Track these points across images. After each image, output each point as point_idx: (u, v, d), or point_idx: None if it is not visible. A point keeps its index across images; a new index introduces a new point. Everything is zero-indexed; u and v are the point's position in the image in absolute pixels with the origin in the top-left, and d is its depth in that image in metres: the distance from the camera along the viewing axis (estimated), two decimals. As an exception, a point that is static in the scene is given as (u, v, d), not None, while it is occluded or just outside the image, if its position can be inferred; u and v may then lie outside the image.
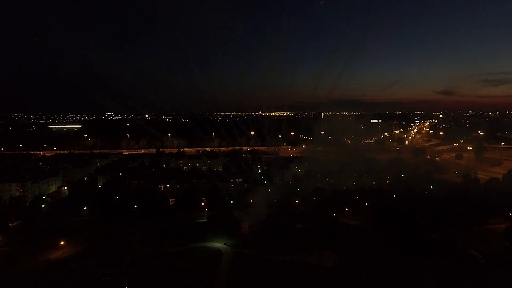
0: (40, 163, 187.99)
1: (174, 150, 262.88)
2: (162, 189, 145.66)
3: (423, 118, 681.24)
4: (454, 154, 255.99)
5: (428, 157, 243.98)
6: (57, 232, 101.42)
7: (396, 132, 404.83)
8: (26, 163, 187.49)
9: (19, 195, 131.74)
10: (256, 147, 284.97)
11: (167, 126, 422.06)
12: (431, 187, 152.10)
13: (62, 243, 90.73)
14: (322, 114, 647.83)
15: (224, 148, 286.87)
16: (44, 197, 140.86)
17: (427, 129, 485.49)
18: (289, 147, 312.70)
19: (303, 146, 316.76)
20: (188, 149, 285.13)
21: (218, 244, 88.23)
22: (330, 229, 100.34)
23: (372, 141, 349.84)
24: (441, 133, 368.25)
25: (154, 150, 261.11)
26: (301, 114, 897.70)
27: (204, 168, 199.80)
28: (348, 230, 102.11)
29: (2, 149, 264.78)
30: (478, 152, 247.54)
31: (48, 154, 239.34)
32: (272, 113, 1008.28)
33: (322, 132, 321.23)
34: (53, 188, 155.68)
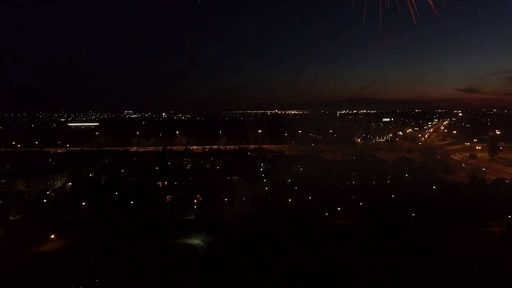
0: (50, 160, 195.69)
1: (182, 148, 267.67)
2: (160, 185, 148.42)
3: (442, 117, 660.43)
4: (467, 154, 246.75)
5: (439, 157, 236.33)
6: (54, 226, 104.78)
7: (410, 131, 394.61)
8: (36, 160, 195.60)
9: (22, 189, 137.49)
10: (263, 146, 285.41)
11: (178, 124, 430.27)
12: (434, 187, 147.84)
13: (52, 236, 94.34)
14: (338, 112, 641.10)
15: (232, 146, 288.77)
16: (48, 192, 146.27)
17: (443, 128, 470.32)
18: (297, 145, 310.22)
19: (312, 144, 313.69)
20: (196, 147, 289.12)
21: (196, 241, 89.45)
22: (315, 229, 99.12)
23: (384, 140, 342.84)
24: (455, 132, 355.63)
25: (167, 147, 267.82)
26: (317, 113, 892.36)
27: (208, 166, 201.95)
28: (336, 230, 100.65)
29: (19, 145, 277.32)
30: (493, 151, 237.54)
31: (59, 151, 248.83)
32: (288, 112, 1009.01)
33: (331, 131, 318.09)
34: (59, 184, 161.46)
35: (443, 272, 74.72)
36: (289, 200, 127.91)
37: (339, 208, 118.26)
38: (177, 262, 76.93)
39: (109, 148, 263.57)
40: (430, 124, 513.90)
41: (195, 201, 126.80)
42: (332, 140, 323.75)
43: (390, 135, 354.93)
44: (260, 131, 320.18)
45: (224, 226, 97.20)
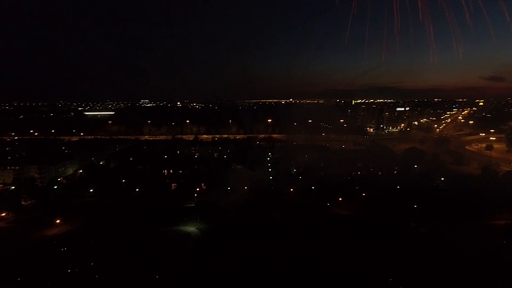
0: (63, 148, 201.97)
1: (192, 137, 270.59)
2: (166, 174, 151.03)
3: (462, 106, 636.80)
4: (483, 145, 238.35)
5: (453, 147, 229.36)
6: (61, 211, 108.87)
7: (426, 120, 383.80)
8: (50, 148, 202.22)
9: (34, 176, 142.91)
10: (273, 135, 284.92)
11: (190, 113, 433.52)
12: (442, 179, 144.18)
13: (58, 221, 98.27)
14: (353, 101, 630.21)
15: (242, 135, 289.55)
16: (59, 179, 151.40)
17: (461, 117, 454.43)
18: (308, 135, 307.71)
19: (322, 134, 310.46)
20: (206, 136, 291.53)
21: (191, 228, 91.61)
22: (312, 218, 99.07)
23: (397, 130, 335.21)
24: (471, 122, 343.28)
25: (178, 136, 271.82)
26: (332, 102, 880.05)
27: (216, 155, 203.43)
28: (334, 220, 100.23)
29: (37, 134, 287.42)
30: (511, 143, 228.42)
31: (73, 139, 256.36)
32: (303, 101, 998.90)
33: (342, 120, 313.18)
34: (70, 171, 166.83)
35: (437, 263, 73.54)
36: (291, 189, 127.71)
37: (340, 199, 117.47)
38: (170, 248, 79.07)
39: (121, 137, 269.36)
40: (448, 114, 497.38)
41: (198, 189, 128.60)
42: (343, 129, 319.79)
43: (403, 125, 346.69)
44: (270, 120, 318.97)
45: (220, 215, 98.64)
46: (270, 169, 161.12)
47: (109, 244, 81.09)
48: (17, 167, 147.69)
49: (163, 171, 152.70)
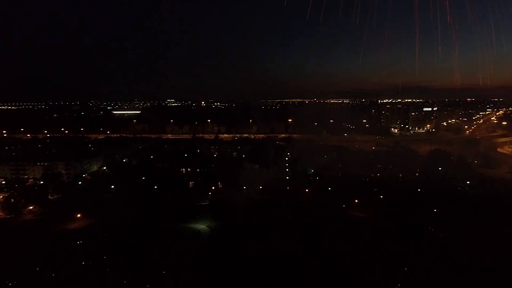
0: (89, 145, 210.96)
1: (213, 136, 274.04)
2: (184, 172, 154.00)
3: (497, 106, 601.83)
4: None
5: (483, 149, 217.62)
6: (83, 206, 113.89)
7: (455, 121, 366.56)
8: (78, 145, 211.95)
9: (61, 172, 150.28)
10: (293, 135, 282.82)
11: (213, 113, 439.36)
12: (468, 182, 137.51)
13: (78, 215, 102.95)
14: (380, 101, 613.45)
15: (262, 135, 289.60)
16: (84, 175, 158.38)
17: (494, 118, 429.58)
18: (329, 135, 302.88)
19: (344, 134, 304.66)
20: (228, 135, 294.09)
21: (201, 226, 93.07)
22: (325, 219, 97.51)
23: (424, 130, 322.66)
24: (504, 123, 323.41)
25: (199, 135, 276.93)
26: (357, 101, 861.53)
27: (235, 154, 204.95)
28: (348, 222, 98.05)
29: (67, 132, 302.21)
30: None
31: (100, 137, 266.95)
32: (327, 100, 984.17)
33: (364, 121, 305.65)
34: (95, 168, 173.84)
35: (452, 270, 70.21)
36: (306, 190, 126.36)
37: (356, 201, 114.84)
38: (179, 245, 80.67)
39: (145, 135, 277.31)
40: (481, 114, 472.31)
41: (213, 188, 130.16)
42: (366, 130, 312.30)
43: (428, 126, 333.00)
44: (290, 120, 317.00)
45: (232, 213, 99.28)
46: (287, 169, 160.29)
47: (121, 239, 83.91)
48: (46, 163, 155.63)
49: (181, 169, 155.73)
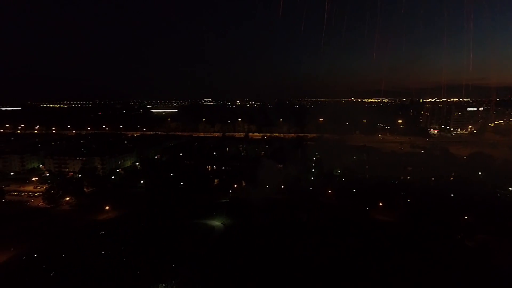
0: (125, 142, 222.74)
1: (243, 135, 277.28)
2: (209, 169, 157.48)
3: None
4: None
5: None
6: (113, 199, 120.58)
7: (505, 122, 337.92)
8: (115, 141, 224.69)
9: (97, 166, 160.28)
10: (324, 134, 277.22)
11: (246, 111, 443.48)
12: (510, 189, 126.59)
13: (107, 207, 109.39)
14: (422, 100, 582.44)
15: (292, 134, 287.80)
16: (118, 170, 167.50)
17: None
18: (362, 135, 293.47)
19: (379, 135, 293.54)
20: (258, 134, 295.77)
21: (217, 223, 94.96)
22: (345, 222, 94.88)
23: (467, 132, 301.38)
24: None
25: (230, 134, 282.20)
26: (397, 101, 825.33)
27: (262, 153, 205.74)
28: (369, 225, 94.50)
29: (107, 129, 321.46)
30: None
31: (136, 134, 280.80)
32: (364, 99, 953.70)
33: (400, 121, 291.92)
34: (128, 163, 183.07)
35: (476, 281, 65.28)
36: (330, 191, 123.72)
37: (381, 204, 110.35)
38: (192, 240, 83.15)
39: (178, 133, 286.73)
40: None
41: (236, 186, 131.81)
42: (402, 130, 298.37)
43: (470, 127, 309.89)
44: (321, 120, 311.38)
45: (248, 212, 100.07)
46: (313, 169, 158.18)
47: (139, 232, 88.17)
48: (84, 158, 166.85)
49: (207, 167, 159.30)
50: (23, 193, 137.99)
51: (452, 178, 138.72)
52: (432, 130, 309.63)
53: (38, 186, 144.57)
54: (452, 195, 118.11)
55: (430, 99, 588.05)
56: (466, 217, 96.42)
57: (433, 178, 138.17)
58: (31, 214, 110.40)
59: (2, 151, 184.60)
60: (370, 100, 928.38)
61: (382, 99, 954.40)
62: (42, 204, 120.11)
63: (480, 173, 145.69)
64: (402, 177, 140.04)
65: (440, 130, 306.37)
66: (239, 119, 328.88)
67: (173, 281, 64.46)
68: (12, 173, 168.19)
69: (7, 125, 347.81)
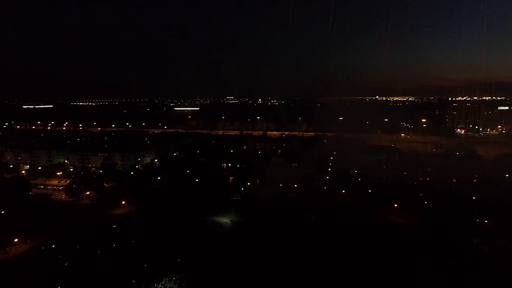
0: (146, 139, 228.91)
1: (260, 133, 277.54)
2: (224, 167, 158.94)
3: None
4: None
5: None
6: (130, 194, 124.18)
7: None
8: (136, 138, 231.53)
9: (118, 162, 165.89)
10: (344, 133, 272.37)
11: (267, 110, 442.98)
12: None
13: (123, 202, 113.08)
14: (451, 98, 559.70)
15: (311, 133, 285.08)
16: (137, 166, 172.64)
17: None
18: (384, 135, 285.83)
19: (402, 135, 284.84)
20: (276, 133, 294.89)
21: (225, 220, 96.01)
22: (354, 222, 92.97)
23: (497, 132, 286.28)
24: None
25: (248, 132, 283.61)
26: (423, 99, 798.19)
27: (279, 151, 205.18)
28: (381, 228, 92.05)
29: (130, 126, 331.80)
30: None
31: (157, 131, 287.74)
32: (390, 98, 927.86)
33: (424, 120, 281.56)
34: (148, 160, 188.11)
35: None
36: (343, 190, 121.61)
37: (396, 205, 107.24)
38: (199, 235, 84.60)
39: (198, 131, 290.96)
40: None
41: (249, 183, 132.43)
42: (428, 130, 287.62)
43: (499, 126, 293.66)
44: (341, 118, 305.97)
45: (257, 209, 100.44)
46: (329, 168, 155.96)
47: (149, 227, 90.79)
48: (105, 154, 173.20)
49: (223, 165, 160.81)
50: (49, 187, 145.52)
51: (475, 180, 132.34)
52: (458, 130, 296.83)
53: (63, 180, 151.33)
54: (473, 198, 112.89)
55: (460, 98, 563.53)
56: (486, 221, 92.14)
57: (454, 180, 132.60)
58: (53, 206, 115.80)
59: (32, 146, 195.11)
60: (395, 98, 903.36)
61: (408, 98, 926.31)
62: (65, 198, 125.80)
63: (507, 175, 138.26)
64: (421, 178, 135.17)
65: (467, 130, 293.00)
66: (258, 118, 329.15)
67: (176, 276, 66.11)
68: (40, 168, 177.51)
69: (39, 122, 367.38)
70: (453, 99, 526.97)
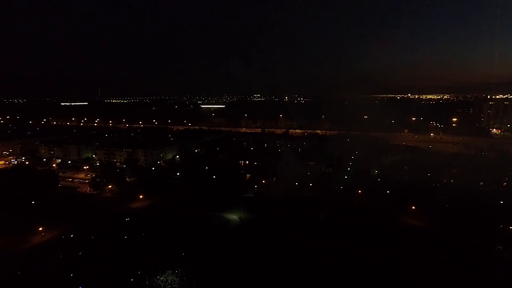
0: (169, 135, 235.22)
1: (282, 131, 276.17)
2: (242, 164, 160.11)
3: None
4: None
5: None
6: (149, 189, 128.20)
7: None
8: (161, 135, 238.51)
9: (140, 158, 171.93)
10: (370, 133, 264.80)
11: (291, 107, 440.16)
12: None
13: (141, 196, 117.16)
14: (490, 96, 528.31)
15: (334, 131, 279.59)
16: (159, 162, 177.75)
17: None
18: (411, 134, 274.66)
19: (431, 134, 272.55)
20: (299, 131, 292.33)
21: (233, 216, 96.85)
22: (367, 224, 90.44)
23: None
24: None
25: (270, 130, 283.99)
26: (459, 97, 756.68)
27: (299, 150, 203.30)
28: (396, 230, 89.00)
29: (156, 123, 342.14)
30: None
31: (181, 128, 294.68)
32: (422, 96, 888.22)
33: (455, 119, 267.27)
34: (170, 156, 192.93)
35: None
36: (360, 191, 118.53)
37: (414, 207, 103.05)
38: (205, 231, 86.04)
39: (221, 128, 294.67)
40: None
41: (264, 181, 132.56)
42: (460, 130, 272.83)
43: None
44: (366, 116, 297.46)
45: (266, 207, 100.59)
46: (348, 168, 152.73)
47: (159, 221, 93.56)
48: (129, 150, 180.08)
49: (240, 162, 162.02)
50: (76, 180, 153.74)
51: (505, 184, 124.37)
52: (494, 130, 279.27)
53: (89, 174, 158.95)
54: (501, 202, 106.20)
55: (501, 96, 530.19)
56: (511, 227, 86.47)
57: (481, 183, 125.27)
58: (78, 198, 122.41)
59: (64, 141, 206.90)
60: (428, 96, 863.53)
61: (443, 96, 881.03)
62: (89, 190, 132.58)
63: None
64: (444, 180, 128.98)
65: (504, 130, 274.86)
66: (280, 115, 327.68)
67: (179, 269, 68.09)
68: (70, 162, 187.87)
69: (73, 118, 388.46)
70: (493, 97, 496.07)
